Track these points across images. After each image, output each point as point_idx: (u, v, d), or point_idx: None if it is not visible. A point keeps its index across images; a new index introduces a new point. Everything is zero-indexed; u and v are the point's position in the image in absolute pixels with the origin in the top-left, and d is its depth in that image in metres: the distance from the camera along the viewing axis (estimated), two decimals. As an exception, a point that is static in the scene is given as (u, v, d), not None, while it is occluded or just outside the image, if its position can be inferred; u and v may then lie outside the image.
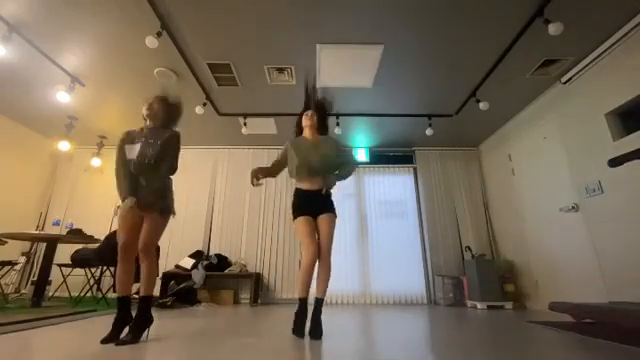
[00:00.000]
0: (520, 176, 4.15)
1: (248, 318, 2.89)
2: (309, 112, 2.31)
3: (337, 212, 2.20)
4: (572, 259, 3.27)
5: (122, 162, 1.92)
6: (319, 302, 2.00)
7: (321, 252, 2.05)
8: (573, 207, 3.23)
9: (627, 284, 2.67)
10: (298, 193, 2.20)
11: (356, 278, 4.58)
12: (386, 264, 4.65)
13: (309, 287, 2.00)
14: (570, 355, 1.56)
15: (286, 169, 2.28)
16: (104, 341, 1.67)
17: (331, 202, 2.19)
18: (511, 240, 4.34)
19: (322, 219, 2.12)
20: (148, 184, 1.91)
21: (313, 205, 2.14)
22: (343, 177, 2.29)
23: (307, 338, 1.87)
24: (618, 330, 2.03)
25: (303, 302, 1.99)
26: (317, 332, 1.90)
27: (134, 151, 1.90)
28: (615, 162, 2.05)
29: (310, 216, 2.10)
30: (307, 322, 1.96)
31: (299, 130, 2.38)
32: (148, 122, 2.03)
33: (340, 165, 2.28)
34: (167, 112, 2.08)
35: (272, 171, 2.31)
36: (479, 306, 3.80)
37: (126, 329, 1.77)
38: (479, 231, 4.73)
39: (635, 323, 1.97)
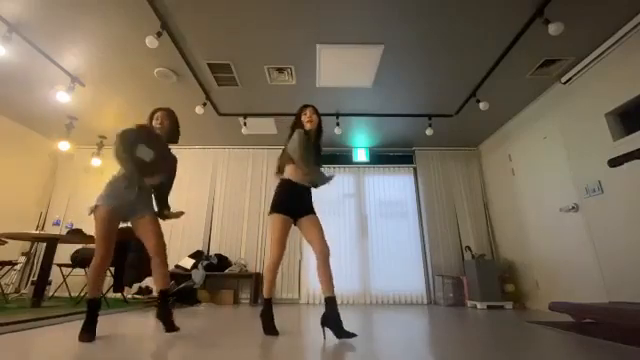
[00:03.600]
0: (520, 176, 4.15)
1: (248, 318, 2.89)
2: (307, 111, 2.17)
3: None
4: (572, 259, 3.27)
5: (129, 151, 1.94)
6: (334, 300, 1.90)
7: (323, 250, 1.95)
8: (573, 207, 3.23)
9: (627, 284, 2.67)
10: (290, 185, 2.05)
11: (356, 278, 4.58)
12: (386, 264, 4.65)
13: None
14: (570, 355, 1.56)
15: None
16: (86, 340, 1.68)
17: (312, 200, 2.15)
18: (511, 240, 4.34)
19: (311, 220, 2.04)
20: (145, 190, 1.97)
21: (300, 204, 2.05)
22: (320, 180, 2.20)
23: (307, 339, 1.86)
24: (618, 330, 2.03)
25: (269, 301, 2.01)
26: (346, 331, 1.81)
27: (149, 155, 1.93)
28: (615, 162, 2.05)
29: (290, 217, 2.02)
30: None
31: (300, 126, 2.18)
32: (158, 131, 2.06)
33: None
34: (174, 127, 2.14)
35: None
36: (479, 306, 3.80)
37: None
38: (479, 231, 4.73)
39: (635, 323, 1.97)
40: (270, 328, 1.94)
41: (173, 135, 2.14)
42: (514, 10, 2.57)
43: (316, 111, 2.20)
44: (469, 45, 2.96)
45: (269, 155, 5.15)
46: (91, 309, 1.79)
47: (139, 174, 1.91)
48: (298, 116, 2.20)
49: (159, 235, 1.95)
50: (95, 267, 1.79)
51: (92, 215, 1.84)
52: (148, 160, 1.92)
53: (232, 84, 3.58)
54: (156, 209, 2.09)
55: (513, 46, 2.90)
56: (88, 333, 1.72)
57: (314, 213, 2.08)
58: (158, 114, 2.09)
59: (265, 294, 2.00)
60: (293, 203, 2.04)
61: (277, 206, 2.02)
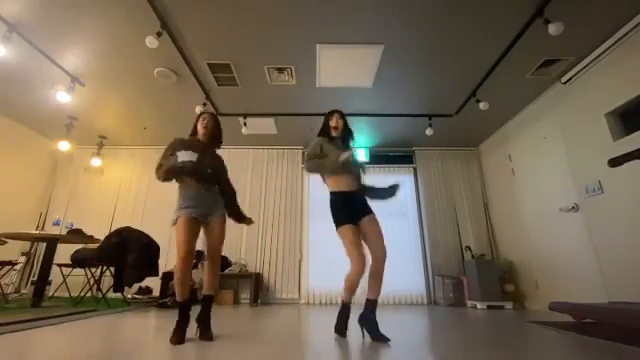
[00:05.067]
0: (520, 176, 4.15)
1: (248, 318, 2.89)
2: (334, 117, 2.19)
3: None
4: (572, 259, 3.27)
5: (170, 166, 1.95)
6: (375, 303, 1.97)
7: (380, 256, 1.99)
8: (573, 207, 3.23)
9: (627, 284, 2.67)
10: (340, 196, 2.06)
11: (356, 278, 4.57)
12: (386, 264, 4.63)
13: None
14: (570, 355, 1.56)
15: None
16: (176, 342, 1.73)
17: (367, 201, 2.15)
18: (511, 240, 4.34)
19: (369, 221, 2.03)
20: (209, 193, 1.99)
21: (356, 210, 2.04)
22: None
23: (305, 339, 1.86)
24: (618, 330, 2.03)
25: (348, 306, 2.03)
26: (381, 334, 1.86)
27: (192, 156, 1.95)
28: (615, 162, 2.05)
29: (354, 224, 1.99)
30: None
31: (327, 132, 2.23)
32: (201, 137, 2.12)
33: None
34: (218, 128, 2.19)
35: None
36: (479, 306, 3.80)
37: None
38: (479, 231, 4.73)
39: (635, 323, 1.97)
40: (340, 328, 1.99)
41: (217, 136, 2.19)
42: (514, 10, 2.57)
43: (342, 116, 2.22)
44: (469, 45, 2.96)
45: (269, 155, 5.15)
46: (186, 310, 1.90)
47: (194, 177, 1.92)
48: (325, 122, 2.23)
49: (217, 238, 1.99)
50: (177, 270, 1.86)
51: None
52: (195, 159, 1.93)
53: (232, 84, 3.58)
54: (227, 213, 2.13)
55: (513, 46, 2.90)
56: (181, 333, 1.82)
57: (371, 212, 2.06)
58: (205, 115, 2.16)
59: (346, 299, 2.03)
60: (350, 211, 2.02)
61: (339, 218, 2.00)
